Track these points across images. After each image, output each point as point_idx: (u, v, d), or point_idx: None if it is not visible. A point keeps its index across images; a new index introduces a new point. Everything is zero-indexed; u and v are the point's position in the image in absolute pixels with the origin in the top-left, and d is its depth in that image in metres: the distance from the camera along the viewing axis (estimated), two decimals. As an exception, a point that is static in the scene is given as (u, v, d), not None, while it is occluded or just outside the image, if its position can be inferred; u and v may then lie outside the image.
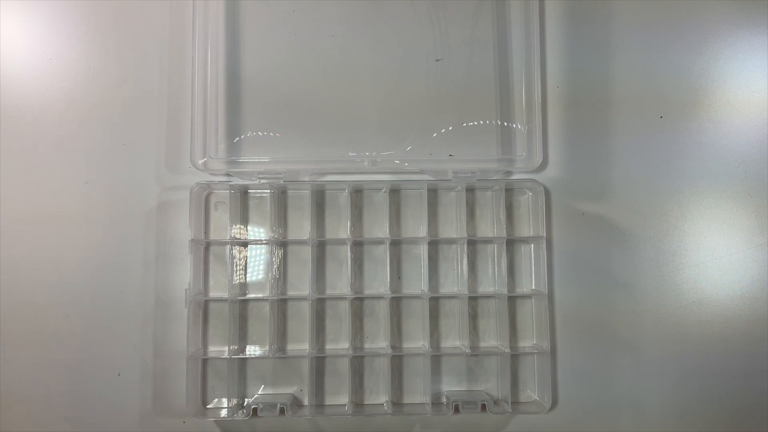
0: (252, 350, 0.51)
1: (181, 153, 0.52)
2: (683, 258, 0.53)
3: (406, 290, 0.52)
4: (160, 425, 0.50)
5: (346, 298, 0.50)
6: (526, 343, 0.52)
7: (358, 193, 0.52)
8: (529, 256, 0.52)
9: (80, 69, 0.53)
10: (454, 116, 0.52)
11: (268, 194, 0.51)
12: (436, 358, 0.51)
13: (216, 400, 0.50)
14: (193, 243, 0.49)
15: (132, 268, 0.51)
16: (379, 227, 0.52)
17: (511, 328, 0.51)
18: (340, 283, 0.52)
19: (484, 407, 0.48)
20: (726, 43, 0.54)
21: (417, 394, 0.51)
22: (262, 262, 0.51)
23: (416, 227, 0.52)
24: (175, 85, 0.52)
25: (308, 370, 0.49)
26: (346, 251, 0.51)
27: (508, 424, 0.51)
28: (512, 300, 0.52)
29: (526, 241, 0.52)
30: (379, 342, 0.51)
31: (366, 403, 0.51)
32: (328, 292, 0.51)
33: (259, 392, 0.51)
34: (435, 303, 0.51)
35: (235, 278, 0.50)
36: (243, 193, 0.52)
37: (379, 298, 0.51)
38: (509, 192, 0.53)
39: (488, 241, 0.52)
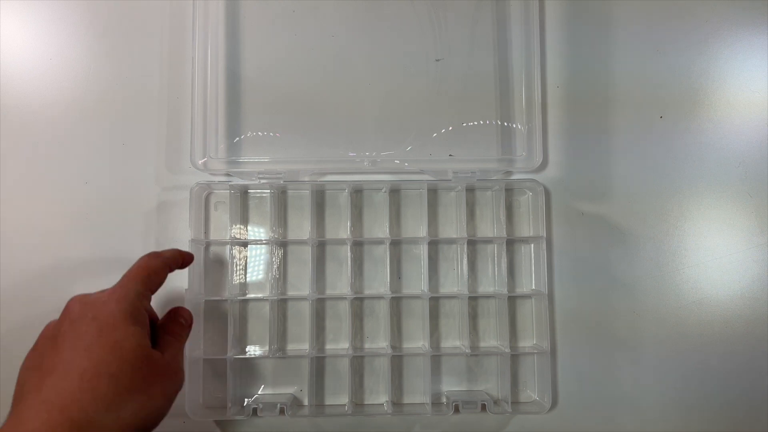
0: (252, 350, 0.51)
1: (181, 153, 0.52)
2: (683, 258, 0.53)
3: (406, 290, 0.52)
4: (160, 425, 0.50)
5: (346, 298, 0.50)
6: (526, 343, 0.52)
7: (358, 193, 0.52)
8: (529, 256, 0.52)
9: (80, 69, 0.53)
10: (454, 116, 0.52)
11: (268, 194, 0.51)
12: (436, 358, 0.51)
13: (216, 400, 0.50)
14: (193, 243, 0.49)
15: (132, 268, 0.51)
16: (379, 227, 0.52)
17: (511, 328, 0.51)
18: (340, 283, 0.52)
19: (484, 407, 0.48)
20: (726, 43, 0.54)
21: (417, 394, 0.51)
22: (262, 262, 0.51)
23: (416, 227, 0.52)
24: (175, 85, 0.53)
25: (308, 370, 0.49)
26: (346, 251, 0.51)
27: (508, 424, 0.51)
28: (512, 300, 0.52)
29: (526, 241, 0.52)
30: (379, 342, 0.51)
31: (366, 403, 0.51)
32: (328, 292, 0.51)
33: (259, 392, 0.51)
34: (435, 303, 0.51)
35: (235, 278, 0.50)
36: (243, 193, 0.52)
37: (379, 298, 0.51)
38: (509, 192, 0.53)
39: (488, 241, 0.52)
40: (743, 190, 0.53)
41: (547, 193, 0.53)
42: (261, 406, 0.47)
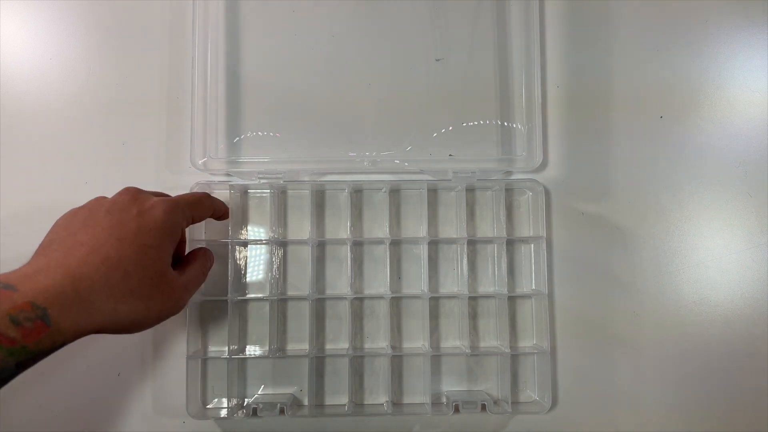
0: (252, 350, 0.51)
1: (181, 153, 0.52)
2: (683, 258, 0.53)
3: (406, 290, 0.52)
4: (160, 425, 0.50)
5: (346, 298, 0.50)
6: (526, 343, 0.52)
7: (358, 193, 0.52)
8: (529, 256, 0.52)
9: (80, 69, 0.53)
10: (454, 116, 0.52)
11: (268, 194, 0.51)
12: (436, 358, 0.51)
13: (216, 400, 0.50)
14: (194, 243, 0.49)
15: (132, 268, 0.51)
16: (379, 227, 0.52)
17: (511, 328, 0.51)
18: (340, 283, 0.52)
19: (484, 407, 0.48)
20: (726, 43, 0.54)
21: (417, 394, 0.51)
22: (262, 262, 0.51)
23: (416, 227, 0.52)
24: (175, 85, 0.53)
25: (308, 370, 0.49)
26: (346, 251, 0.51)
27: (508, 424, 0.51)
28: (512, 300, 0.52)
29: (526, 241, 0.52)
30: (379, 342, 0.51)
31: (366, 403, 0.51)
32: (328, 292, 0.51)
33: (259, 392, 0.51)
34: (435, 303, 0.51)
35: (235, 278, 0.50)
36: (243, 193, 0.52)
37: (379, 298, 0.51)
38: (509, 192, 0.53)
39: (488, 241, 0.52)
40: (743, 190, 0.53)
41: (547, 193, 0.53)
42: (261, 406, 0.47)
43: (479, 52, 0.53)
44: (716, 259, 0.53)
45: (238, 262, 0.51)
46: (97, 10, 0.53)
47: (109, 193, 0.51)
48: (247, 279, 0.51)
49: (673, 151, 0.53)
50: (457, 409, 0.49)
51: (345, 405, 0.49)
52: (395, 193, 0.53)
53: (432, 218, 0.52)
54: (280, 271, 0.51)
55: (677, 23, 0.54)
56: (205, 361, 0.50)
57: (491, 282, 0.52)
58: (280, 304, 0.51)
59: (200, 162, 0.50)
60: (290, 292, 0.51)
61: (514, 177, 0.53)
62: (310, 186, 0.51)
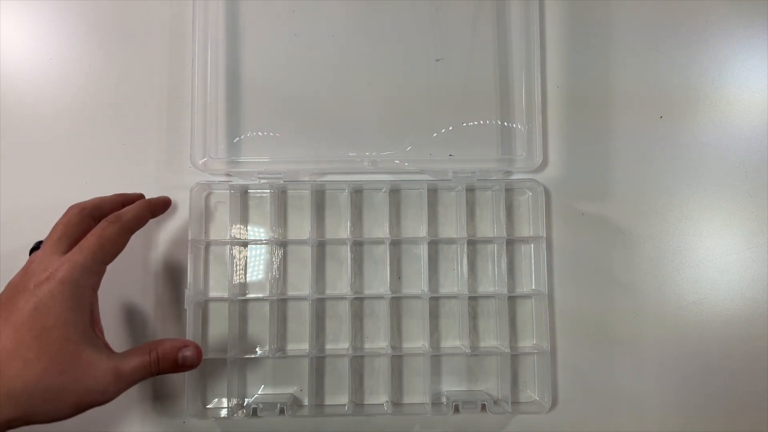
0: (252, 350, 0.51)
1: (181, 153, 0.52)
2: (683, 258, 0.53)
3: (406, 290, 0.52)
4: (160, 425, 0.50)
5: (346, 298, 0.50)
6: (526, 343, 0.52)
7: (358, 193, 0.52)
8: (529, 256, 0.52)
9: (80, 69, 0.53)
10: (454, 116, 0.52)
11: (268, 194, 0.51)
12: (436, 358, 0.51)
13: (216, 400, 0.50)
14: (193, 243, 0.49)
15: (132, 268, 0.51)
16: (379, 227, 0.52)
17: (511, 328, 0.51)
18: (340, 283, 0.52)
19: (484, 407, 0.48)
20: (726, 43, 0.54)
21: (417, 394, 0.51)
22: (262, 262, 0.51)
23: (416, 227, 0.52)
24: (175, 85, 0.53)
25: (308, 370, 0.49)
26: (346, 251, 0.51)
27: (508, 424, 0.51)
28: (512, 300, 0.52)
29: (526, 241, 0.52)
30: (379, 342, 0.51)
31: (366, 403, 0.51)
32: (328, 292, 0.51)
33: (259, 392, 0.51)
34: (435, 303, 0.51)
35: (235, 278, 0.50)
36: (243, 193, 0.52)
37: (379, 298, 0.51)
38: (509, 192, 0.53)
39: (488, 241, 0.52)
40: (743, 190, 0.53)
41: (547, 193, 0.53)
42: (261, 406, 0.47)
43: (479, 52, 0.53)
44: (716, 259, 0.53)
45: (238, 262, 0.51)
46: (97, 10, 0.53)
47: (110, 193, 0.51)
48: (247, 279, 0.51)
49: (673, 151, 0.53)
50: (457, 409, 0.49)
51: (345, 405, 0.49)
52: (395, 193, 0.53)
53: (432, 218, 0.52)
54: (280, 271, 0.51)
55: (677, 23, 0.54)
56: (205, 361, 0.50)
57: (491, 282, 0.52)
58: (280, 304, 0.51)
59: (200, 162, 0.50)
60: (290, 292, 0.51)
61: (514, 177, 0.53)
62: (310, 186, 0.51)
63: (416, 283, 0.52)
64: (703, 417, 0.51)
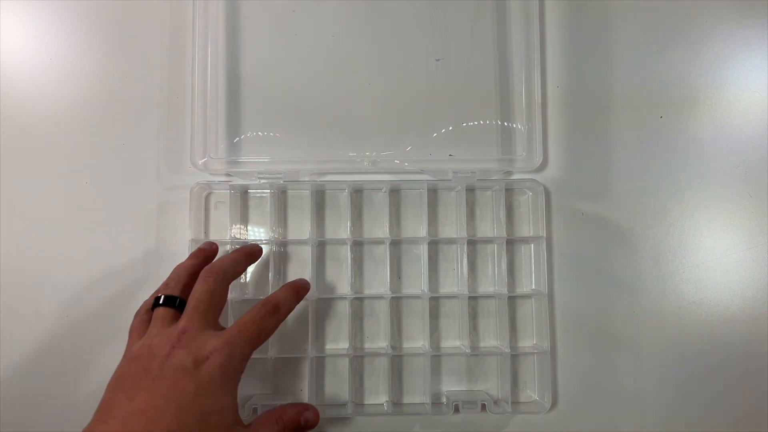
0: (252, 350, 0.51)
1: (181, 153, 0.52)
2: (683, 258, 0.53)
3: (406, 290, 0.52)
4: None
5: (346, 298, 0.50)
6: (526, 343, 0.52)
7: (358, 193, 0.52)
8: (529, 256, 0.52)
9: (80, 69, 0.53)
10: (454, 116, 0.52)
11: (268, 194, 0.51)
12: (436, 358, 0.51)
13: (216, 400, 0.50)
14: (193, 243, 0.49)
15: (132, 268, 0.51)
16: (379, 227, 0.52)
17: (511, 328, 0.51)
18: (340, 283, 0.52)
19: (484, 407, 0.48)
20: (726, 43, 0.54)
21: (417, 394, 0.51)
22: (262, 262, 0.51)
23: (416, 227, 0.52)
24: (175, 85, 0.53)
25: (308, 370, 0.49)
26: (346, 251, 0.51)
27: (508, 424, 0.51)
28: (512, 300, 0.52)
29: (526, 241, 0.52)
30: (379, 342, 0.51)
31: (366, 403, 0.51)
32: (328, 292, 0.51)
33: (259, 392, 0.50)
34: (435, 303, 0.51)
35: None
36: (243, 193, 0.52)
37: (379, 298, 0.51)
38: (509, 192, 0.53)
39: (488, 241, 0.52)
40: (743, 190, 0.53)
41: (547, 193, 0.53)
42: (261, 406, 0.47)
43: (479, 52, 0.53)
44: (716, 259, 0.53)
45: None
46: (97, 10, 0.53)
47: (110, 193, 0.52)
48: (247, 279, 0.51)
49: (673, 151, 0.53)
50: (457, 409, 0.49)
51: (345, 405, 0.49)
52: (395, 193, 0.53)
53: (432, 218, 0.52)
54: (280, 271, 0.51)
55: (677, 23, 0.54)
56: (205, 361, 0.50)
57: (491, 282, 0.52)
58: (280, 304, 0.51)
59: (200, 162, 0.50)
60: (290, 292, 0.51)
61: (514, 177, 0.53)
62: (310, 186, 0.51)
63: (416, 283, 0.52)
64: (703, 417, 0.51)
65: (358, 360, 0.51)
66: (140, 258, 0.51)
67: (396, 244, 0.52)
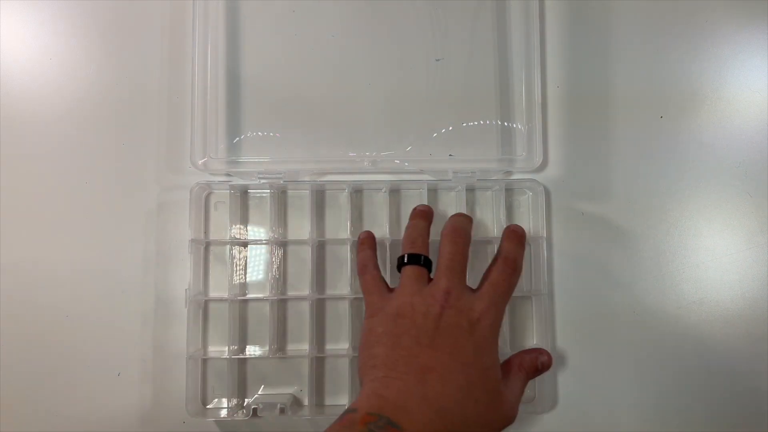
0: (252, 350, 0.51)
1: (181, 153, 0.52)
2: (683, 258, 0.53)
3: (406, 290, 0.52)
4: (160, 425, 0.50)
5: (346, 298, 0.50)
6: (526, 343, 0.52)
7: (358, 193, 0.52)
8: (529, 256, 0.52)
9: (80, 69, 0.53)
10: (454, 116, 0.52)
11: (268, 194, 0.51)
12: (436, 358, 0.51)
13: (216, 400, 0.50)
14: (193, 243, 0.49)
15: (132, 268, 0.51)
16: (379, 227, 0.52)
17: (511, 328, 0.51)
18: (340, 283, 0.52)
19: (484, 407, 0.48)
20: (726, 43, 0.54)
21: (417, 394, 0.51)
22: (262, 262, 0.51)
23: (416, 227, 0.52)
24: (175, 85, 0.53)
25: (308, 370, 0.49)
26: (346, 251, 0.51)
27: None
28: (512, 300, 0.51)
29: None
30: (379, 342, 0.51)
31: (366, 403, 0.50)
32: (328, 292, 0.51)
33: (259, 392, 0.50)
34: (435, 303, 0.51)
35: (235, 278, 0.50)
36: (243, 193, 0.52)
37: (379, 298, 0.51)
38: (509, 192, 0.53)
39: (488, 241, 0.52)
40: (743, 190, 0.53)
41: (547, 193, 0.53)
42: (261, 406, 0.47)
43: (479, 52, 0.53)
44: (716, 259, 0.53)
45: (238, 262, 0.51)
46: (96, 9, 0.53)
47: (110, 193, 0.52)
48: (247, 279, 0.51)
49: (673, 151, 0.53)
50: (457, 409, 0.49)
51: (345, 405, 0.49)
52: (395, 193, 0.53)
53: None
54: (280, 271, 0.51)
55: (677, 23, 0.54)
56: (205, 361, 0.50)
57: (491, 282, 0.52)
58: (280, 304, 0.51)
59: (200, 162, 0.50)
60: (290, 292, 0.51)
61: (514, 177, 0.53)
62: (310, 186, 0.51)
63: (416, 283, 0.52)
64: (703, 417, 0.51)
65: (358, 359, 0.51)
66: (140, 258, 0.51)
67: (396, 245, 0.52)
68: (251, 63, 0.52)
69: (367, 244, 0.47)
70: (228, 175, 0.51)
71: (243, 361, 0.51)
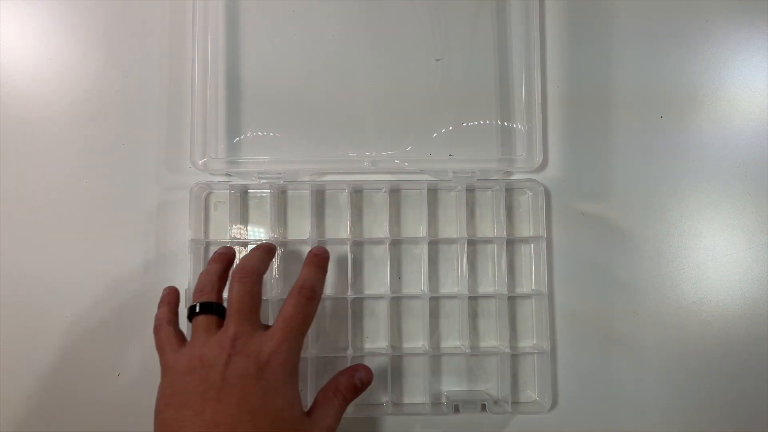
0: (252, 350, 0.51)
1: (181, 153, 0.52)
2: (683, 258, 0.53)
3: (406, 290, 0.52)
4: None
5: (346, 298, 0.50)
6: (526, 343, 0.52)
7: (358, 193, 0.52)
8: (529, 256, 0.52)
9: (80, 69, 0.53)
10: (454, 116, 0.52)
11: (268, 194, 0.51)
12: (436, 358, 0.51)
13: (216, 400, 0.50)
14: (193, 243, 0.49)
15: (132, 268, 0.51)
16: (379, 227, 0.52)
17: (511, 328, 0.51)
18: (340, 283, 0.52)
19: (484, 407, 0.48)
20: (726, 43, 0.54)
21: (417, 394, 0.51)
22: (262, 262, 0.51)
23: (416, 227, 0.52)
24: (175, 85, 0.53)
25: (309, 370, 0.49)
26: (346, 251, 0.51)
27: (508, 424, 0.51)
28: (512, 300, 0.52)
29: (526, 241, 0.52)
30: (379, 342, 0.51)
31: (366, 403, 0.51)
32: (329, 292, 0.51)
33: (259, 392, 0.50)
34: (435, 303, 0.51)
35: (235, 278, 0.50)
36: (243, 193, 0.52)
37: (379, 298, 0.51)
38: (509, 192, 0.53)
39: (488, 241, 0.52)
40: (743, 190, 0.53)
41: (547, 193, 0.53)
42: (261, 406, 0.47)
43: (479, 52, 0.53)
44: (716, 259, 0.53)
45: (238, 262, 0.51)
46: (96, 10, 0.53)
47: (110, 193, 0.52)
48: (247, 279, 0.51)
49: (673, 151, 0.53)
50: (457, 409, 0.49)
51: (345, 405, 0.49)
52: (395, 193, 0.53)
53: (432, 218, 0.52)
54: (280, 271, 0.51)
55: (677, 23, 0.54)
56: (205, 361, 0.50)
57: (491, 282, 0.52)
58: (280, 304, 0.51)
59: (200, 162, 0.50)
60: (290, 292, 0.51)
61: (514, 177, 0.53)
62: (310, 186, 0.51)
63: (416, 283, 0.52)
64: (703, 417, 0.51)
65: (358, 360, 0.51)
66: (140, 258, 0.51)
67: (396, 244, 0.52)
68: (251, 63, 0.52)
69: (166, 300, 0.45)
70: (228, 175, 0.51)
71: (243, 361, 0.50)
